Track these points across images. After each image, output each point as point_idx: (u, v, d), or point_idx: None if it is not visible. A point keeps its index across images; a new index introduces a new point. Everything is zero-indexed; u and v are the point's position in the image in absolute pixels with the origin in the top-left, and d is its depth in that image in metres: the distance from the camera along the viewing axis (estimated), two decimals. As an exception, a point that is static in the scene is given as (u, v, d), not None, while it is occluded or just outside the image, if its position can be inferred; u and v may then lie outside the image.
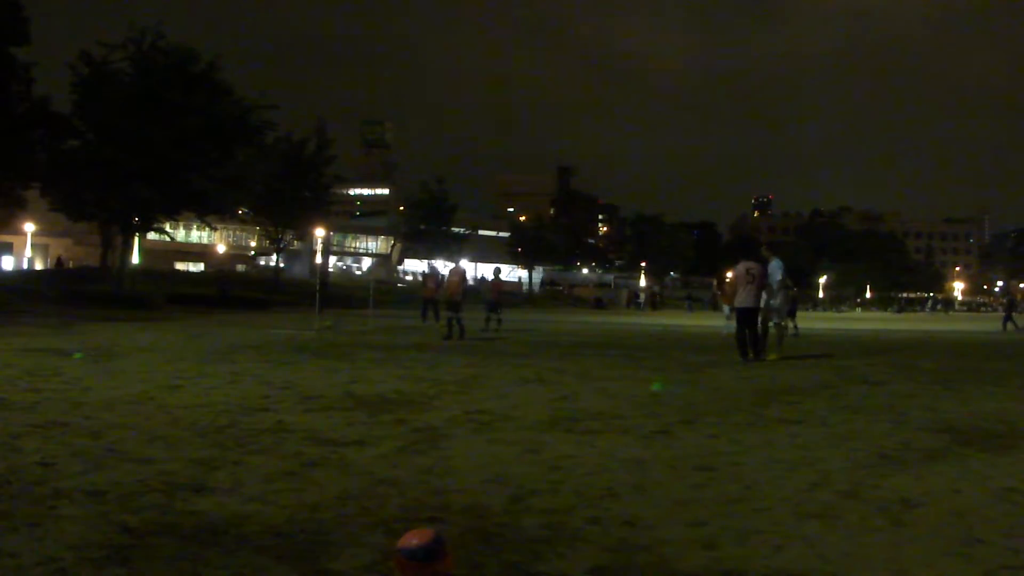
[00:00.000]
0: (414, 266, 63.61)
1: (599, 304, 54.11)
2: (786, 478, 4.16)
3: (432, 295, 21.38)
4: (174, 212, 31.17)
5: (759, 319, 11.11)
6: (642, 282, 74.70)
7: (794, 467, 4.41)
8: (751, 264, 11.03)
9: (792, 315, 17.51)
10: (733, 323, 12.65)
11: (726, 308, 16.91)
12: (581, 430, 5.41)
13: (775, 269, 11.33)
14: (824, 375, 9.34)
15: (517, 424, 5.61)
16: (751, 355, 10.73)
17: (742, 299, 10.88)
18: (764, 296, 11.13)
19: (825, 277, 73.40)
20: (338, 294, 33.28)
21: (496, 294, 20.24)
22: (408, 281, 58.11)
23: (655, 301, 58.26)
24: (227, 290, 33.83)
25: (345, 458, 4.43)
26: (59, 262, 39.56)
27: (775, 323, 11.63)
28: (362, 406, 6.26)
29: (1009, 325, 26.31)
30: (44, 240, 48.78)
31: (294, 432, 5.12)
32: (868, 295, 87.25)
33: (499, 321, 18.90)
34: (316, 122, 42.33)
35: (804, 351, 13.33)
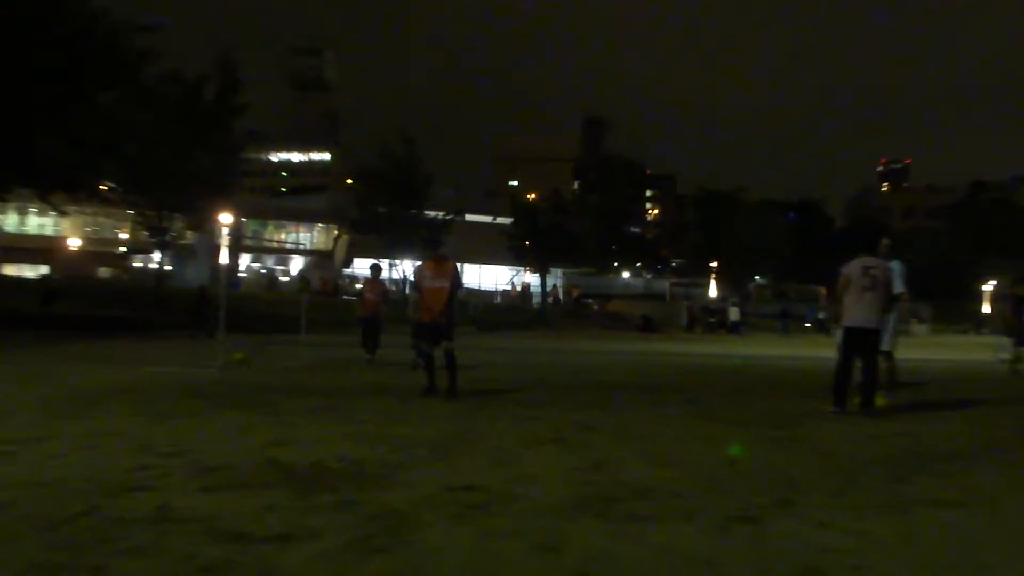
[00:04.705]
0: (364, 268, 63.80)
1: (648, 325, 54.28)
2: (936, 589, 4.15)
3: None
4: (1, 188, 31.24)
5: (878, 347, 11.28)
6: (711, 291, 74.83)
7: (951, 572, 4.41)
8: (872, 262, 11.04)
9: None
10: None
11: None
12: (622, 515, 5.40)
13: (895, 275, 11.55)
14: (992, 431, 9.32)
15: (525, 507, 5.60)
16: (857, 400, 10.76)
17: (856, 314, 10.89)
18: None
19: (994, 282, 72.75)
20: (255, 312, 33.38)
21: (376, 307, 19.36)
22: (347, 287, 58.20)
23: (724, 320, 58.29)
24: (51, 300, 33.98)
25: (264, 561, 4.42)
26: None
27: (884, 352, 11.75)
28: (290, 481, 6.26)
29: None
30: None
31: (186, 522, 5.11)
32: None
33: (374, 348, 18.68)
34: (220, 54, 42.46)
35: (957, 395, 13.30)
